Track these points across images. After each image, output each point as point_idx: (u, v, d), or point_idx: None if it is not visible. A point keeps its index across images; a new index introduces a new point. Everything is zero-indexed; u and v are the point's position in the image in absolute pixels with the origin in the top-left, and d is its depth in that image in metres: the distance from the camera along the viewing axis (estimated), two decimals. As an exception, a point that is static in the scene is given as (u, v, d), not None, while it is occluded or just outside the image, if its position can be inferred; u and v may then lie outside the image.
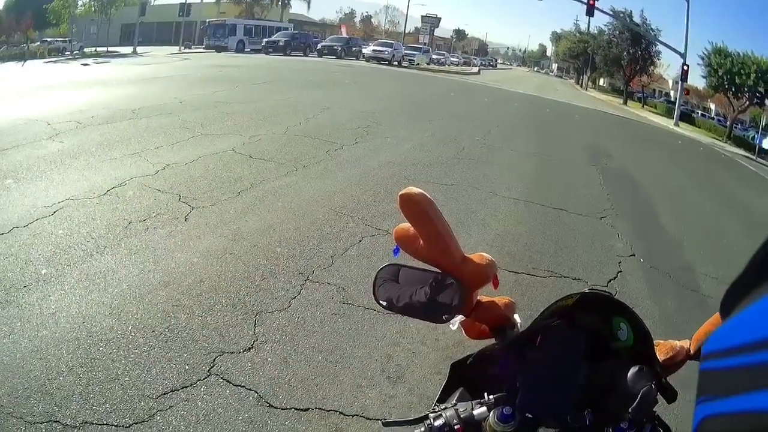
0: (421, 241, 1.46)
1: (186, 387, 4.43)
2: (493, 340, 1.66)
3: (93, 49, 48.19)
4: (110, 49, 49.53)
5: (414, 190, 1.38)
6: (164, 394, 4.31)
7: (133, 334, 5.00)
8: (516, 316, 1.70)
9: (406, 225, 1.47)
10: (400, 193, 1.37)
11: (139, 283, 5.93)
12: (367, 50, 62.46)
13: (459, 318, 1.58)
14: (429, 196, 1.39)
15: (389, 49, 62.93)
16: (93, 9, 62.28)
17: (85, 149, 10.70)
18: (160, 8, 70.76)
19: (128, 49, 48.79)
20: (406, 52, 68.97)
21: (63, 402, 4.10)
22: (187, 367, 4.67)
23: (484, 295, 1.63)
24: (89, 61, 36.21)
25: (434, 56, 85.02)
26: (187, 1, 65.53)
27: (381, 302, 1.59)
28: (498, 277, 1.55)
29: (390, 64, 60.31)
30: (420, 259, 1.51)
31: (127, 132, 12.51)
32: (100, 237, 6.98)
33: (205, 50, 57.79)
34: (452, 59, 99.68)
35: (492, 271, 1.51)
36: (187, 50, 55.52)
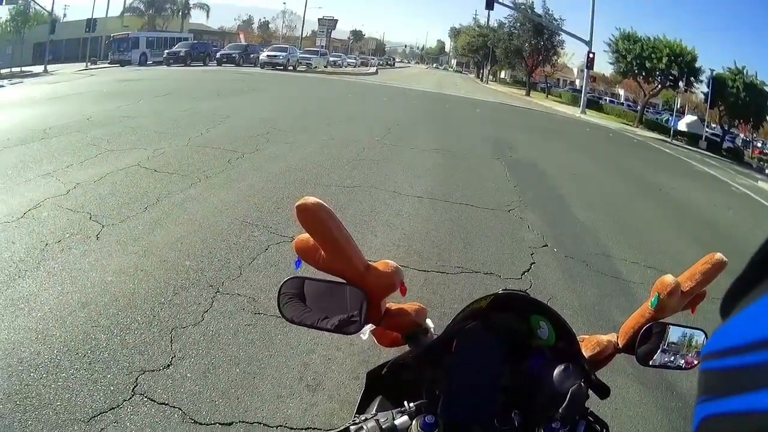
0: (322, 252, 1.45)
1: (114, 408, 4.46)
2: (407, 347, 1.71)
3: (9, 69, 47.32)
4: (24, 69, 48.50)
5: (310, 199, 1.38)
6: (94, 417, 4.36)
7: (59, 358, 5.01)
8: (428, 321, 1.75)
9: (306, 236, 1.46)
10: (296, 204, 1.36)
11: (60, 305, 5.93)
12: (262, 56, 61.56)
13: (369, 327, 1.60)
14: (326, 205, 1.40)
15: (283, 54, 62.15)
16: (9, 29, 61.17)
17: (1, 172, 10.67)
18: (69, 25, 69.05)
19: (40, 68, 47.99)
20: (301, 55, 68.66)
21: (5, 431, 4.14)
22: (112, 388, 4.69)
23: (393, 303, 1.66)
24: (4, 82, 35.56)
25: (331, 58, 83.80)
26: (93, 17, 64.63)
27: (287, 317, 1.58)
28: (405, 284, 1.55)
29: (286, 68, 59.47)
30: (323, 270, 1.51)
31: (40, 152, 12.43)
32: (21, 261, 6.96)
33: (110, 65, 56.60)
34: (349, 60, 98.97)
35: (398, 278, 1.52)
36: (93, 66, 54.15)
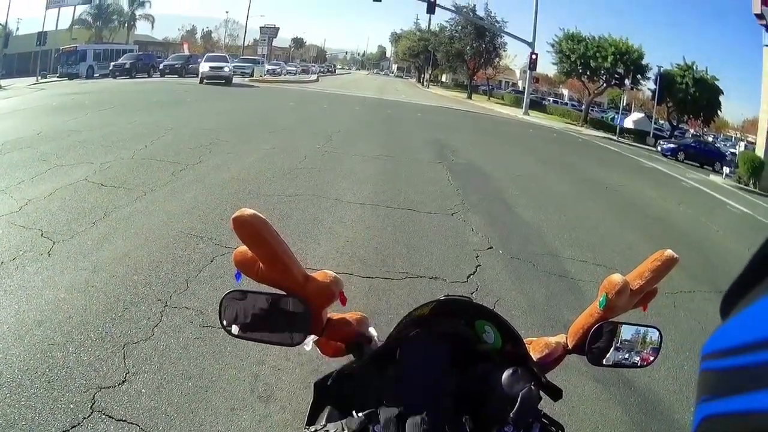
0: (261, 264, 1.45)
1: (74, 427, 4.46)
2: (351, 357, 1.70)
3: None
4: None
5: (246, 211, 1.36)
6: None
7: (20, 377, 5.00)
8: (371, 330, 1.75)
9: (245, 248, 1.45)
10: (232, 216, 1.36)
11: (17, 324, 5.93)
12: (203, 68, 52.31)
13: (311, 338, 1.60)
14: (263, 217, 1.38)
15: (228, 65, 54.58)
16: None
17: None
18: (21, 39, 67.97)
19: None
20: (236, 64, 64.45)
21: None
22: (72, 406, 4.68)
23: (334, 313, 1.67)
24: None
25: (270, 66, 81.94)
26: (44, 30, 63.68)
27: (230, 331, 1.58)
28: (344, 294, 1.57)
29: (229, 82, 52.21)
30: (262, 282, 1.50)
31: None
32: None
33: (59, 78, 55.22)
34: (289, 68, 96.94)
35: (337, 287, 1.52)
36: (43, 80, 52.85)
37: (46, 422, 4.50)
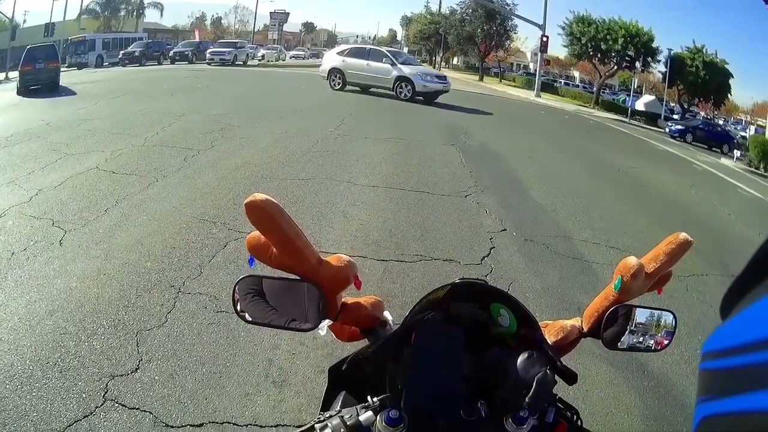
0: (274, 249, 1.45)
1: (87, 416, 4.45)
2: (366, 341, 1.70)
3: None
4: (-15, 76, 47.68)
5: (259, 196, 1.36)
6: (69, 425, 4.35)
7: (31, 368, 5.00)
8: (386, 314, 1.75)
9: (258, 233, 1.45)
10: (244, 201, 1.35)
11: (28, 314, 5.93)
12: (209, 52, 58.61)
13: (326, 323, 1.60)
14: (275, 201, 1.37)
15: (228, 50, 58.95)
16: None
17: None
18: (28, 31, 68.10)
19: (2, 75, 47.34)
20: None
21: None
22: (84, 396, 4.67)
23: (349, 297, 1.67)
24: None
25: (294, 53, 79.83)
26: (51, 21, 63.68)
27: (244, 317, 1.58)
28: (359, 278, 1.56)
29: (233, 63, 56.93)
30: (276, 267, 1.50)
31: (3, 160, 12.44)
32: None
33: (68, 68, 55.51)
34: (297, 53, 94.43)
35: (351, 272, 1.52)
36: None
37: (58, 412, 4.48)
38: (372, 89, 33.47)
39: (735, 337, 0.59)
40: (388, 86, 32.43)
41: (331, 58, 35.58)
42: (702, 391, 0.64)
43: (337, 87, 33.76)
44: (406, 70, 32.41)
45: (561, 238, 10.15)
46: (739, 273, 0.64)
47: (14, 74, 42.74)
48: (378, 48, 40.09)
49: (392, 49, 47.78)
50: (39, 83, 29.21)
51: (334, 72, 34.28)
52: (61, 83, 30.45)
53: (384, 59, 33.02)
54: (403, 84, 31.97)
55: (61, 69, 34.36)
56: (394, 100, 30.96)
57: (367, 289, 1.61)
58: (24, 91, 28.14)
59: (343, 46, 39.55)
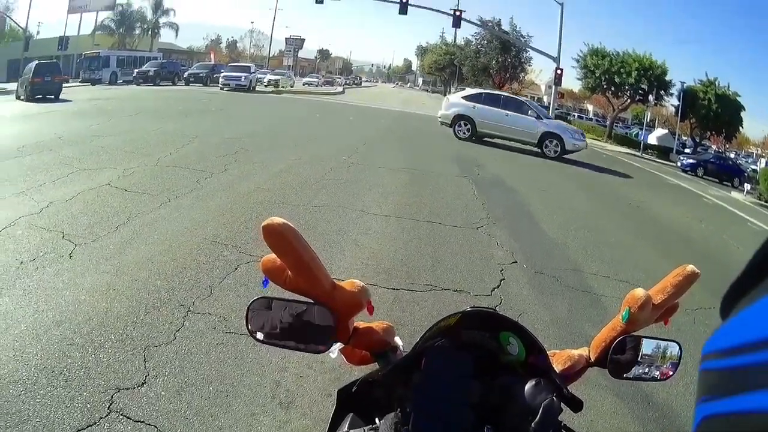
0: (289, 272, 1.46)
1: (90, 426, 4.44)
2: (376, 365, 1.71)
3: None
4: (-1, 86, 48.14)
5: (276, 220, 1.37)
6: None
7: (36, 375, 4.98)
8: (397, 339, 1.74)
9: (273, 256, 1.46)
10: (262, 224, 1.35)
11: (35, 323, 5.92)
12: (222, 77, 55.89)
13: (337, 346, 1.62)
14: (292, 225, 1.39)
15: (244, 74, 56.30)
16: None
17: None
18: (42, 42, 68.78)
19: (14, 85, 47.82)
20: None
21: None
22: (88, 406, 4.66)
23: (361, 321, 1.66)
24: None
25: (307, 79, 79.79)
26: (65, 35, 64.17)
27: (256, 337, 1.59)
28: (372, 303, 1.57)
29: (249, 90, 55.20)
30: (290, 290, 1.52)
31: (14, 171, 12.46)
32: None
33: (81, 83, 55.67)
34: (310, 79, 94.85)
35: (365, 297, 1.53)
36: (65, 84, 54.31)
37: (62, 420, 4.48)
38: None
39: (735, 337, 0.60)
40: (533, 141, 30.27)
41: (456, 103, 32.36)
42: (702, 391, 0.65)
43: (464, 136, 30.86)
44: (553, 125, 30.87)
45: (571, 270, 10.13)
46: (738, 273, 0.64)
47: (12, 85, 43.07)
48: (514, 96, 36.42)
49: (529, 100, 41.37)
50: (45, 92, 33.54)
51: (460, 118, 31.31)
52: (68, 97, 33.27)
53: (529, 111, 30.79)
54: (548, 141, 29.81)
55: (75, 83, 34.90)
56: (407, 131, 31.31)
57: (377, 317, 1.58)
58: (30, 98, 32.30)
59: (469, 91, 36.22)
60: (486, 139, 30.82)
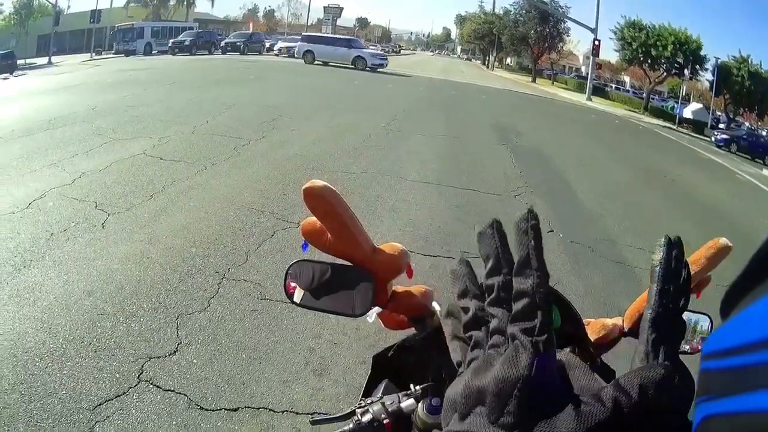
0: (329, 235, 1.40)
1: (119, 396, 4.45)
2: (413, 330, 1.65)
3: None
4: (28, 60, 48.36)
5: (317, 183, 1.32)
6: (99, 404, 4.35)
7: (64, 346, 4.99)
8: (435, 304, 1.68)
9: (313, 219, 1.40)
10: (303, 187, 1.31)
11: (65, 294, 5.92)
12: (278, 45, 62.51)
13: (375, 310, 1.55)
14: (333, 188, 1.34)
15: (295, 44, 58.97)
16: (12, 22, 61.15)
17: (6, 163, 10.62)
18: (73, 17, 69.06)
19: (45, 60, 48.01)
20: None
21: (10, 421, 4.14)
22: (117, 376, 4.68)
23: (399, 285, 1.59)
24: (7, 74, 35.98)
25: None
26: (98, 8, 64.41)
27: (293, 300, 1.54)
28: (411, 266, 1.52)
29: (278, 55, 60.33)
30: (330, 253, 1.44)
31: (45, 143, 12.41)
32: (26, 251, 6.93)
33: (115, 55, 56.10)
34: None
35: (404, 260, 1.48)
36: (98, 57, 53.90)
37: (89, 391, 4.50)
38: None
39: (735, 337, 0.57)
40: (348, 61, 49.68)
41: (301, 45, 52.92)
42: (702, 391, 0.63)
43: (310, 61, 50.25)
44: (363, 53, 51.10)
45: (606, 241, 10.11)
46: (739, 272, 0.60)
47: (58, 59, 43.34)
48: (338, 36, 61.56)
49: (349, 37, 65.03)
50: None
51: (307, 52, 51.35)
52: (100, 69, 34.24)
53: (346, 45, 51.96)
54: (358, 61, 49.53)
55: (108, 55, 35.21)
56: (445, 99, 31.02)
57: (414, 282, 1.42)
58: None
59: (307, 34, 58.21)
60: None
